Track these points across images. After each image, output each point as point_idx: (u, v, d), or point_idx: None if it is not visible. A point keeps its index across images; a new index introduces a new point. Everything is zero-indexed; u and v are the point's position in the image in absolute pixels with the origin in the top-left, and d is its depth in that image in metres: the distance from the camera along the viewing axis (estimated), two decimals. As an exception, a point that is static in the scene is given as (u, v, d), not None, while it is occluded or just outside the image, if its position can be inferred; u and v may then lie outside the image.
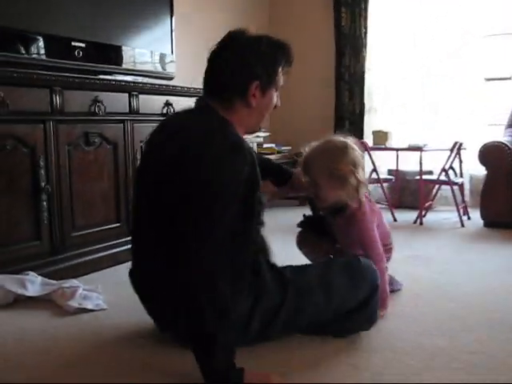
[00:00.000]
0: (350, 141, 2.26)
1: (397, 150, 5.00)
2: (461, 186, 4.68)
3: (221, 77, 1.93)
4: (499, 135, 4.57)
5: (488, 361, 1.85)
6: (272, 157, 4.94)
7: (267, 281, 1.92)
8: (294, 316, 1.95)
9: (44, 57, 2.88)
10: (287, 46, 2.01)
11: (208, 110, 1.93)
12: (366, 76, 5.52)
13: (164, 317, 1.93)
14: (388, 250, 2.50)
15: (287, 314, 1.93)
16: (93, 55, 3.15)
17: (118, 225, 3.19)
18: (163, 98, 3.48)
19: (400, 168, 5.30)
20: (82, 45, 3.06)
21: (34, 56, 2.84)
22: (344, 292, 2.01)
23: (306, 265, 2.17)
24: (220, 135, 1.81)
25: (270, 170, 2.41)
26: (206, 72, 1.98)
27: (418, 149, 4.57)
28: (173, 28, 3.78)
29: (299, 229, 2.61)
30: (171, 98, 3.51)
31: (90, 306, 2.41)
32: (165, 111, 3.47)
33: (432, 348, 1.97)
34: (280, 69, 1.99)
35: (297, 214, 2.64)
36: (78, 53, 3.04)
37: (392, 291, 2.59)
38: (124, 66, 3.40)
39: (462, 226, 4.35)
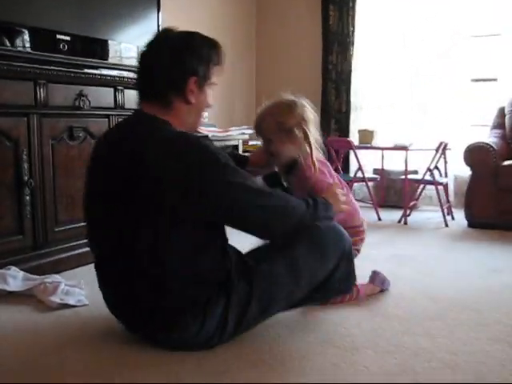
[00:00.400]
0: (302, 100, 2.31)
1: (382, 149, 5.01)
2: (445, 186, 4.70)
3: (158, 75, 1.89)
4: (485, 136, 4.60)
5: (469, 361, 1.86)
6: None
7: (234, 279, 1.90)
8: (266, 306, 1.94)
9: (29, 49, 2.84)
10: (218, 45, 1.98)
11: (143, 115, 1.91)
12: (353, 74, 5.52)
13: (139, 316, 1.90)
14: (359, 232, 2.46)
15: (259, 305, 1.92)
16: (78, 49, 3.12)
17: (101, 220, 3.15)
18: (149, 94, 3.45)
19: (386, 167, 5.31)
20: (68, 38, 3.03)
21: (19, 48, 2.81)
22: (311, 267, 1.99)
23: (268, 247, 2.10)
24: (161, 132, 1.82)
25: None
26: (141, 74, 1.96)
27: (403, 148, 4.59)
28: (160, 23, 3.75)
29: None
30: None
31: (71, 302, 2.39)
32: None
33: (414, 347, 1.97)
34: (213, 65, 1.96)
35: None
36: (63, 46, 3.01)
37: (381, 291, 2.59)
38: (110, 60, 3.37)
39: (446, 225, 4.37)
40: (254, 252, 2.08)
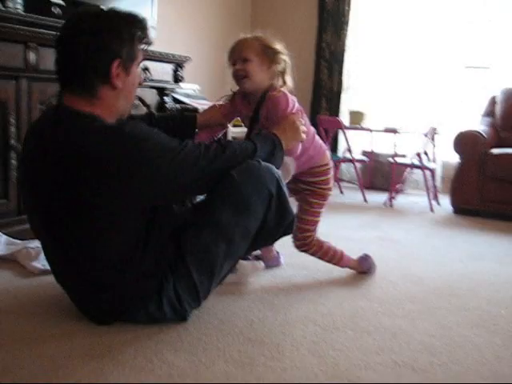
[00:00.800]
0: None
1: (371, 130, 5.02)
2: (433, 171, 4.72)
3: (77, 64, 1.74)
4: (476, 123, 4.62)
5: (447, 344, 1.88)
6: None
7: (176, 263, 1.86)
8: (210, 273, 1.89)
9: (21, 11, 2.79)
10: (139, 17, 1.85)
11: (66, 110, 1.77)
12: (346, 54, 5.50)
13: (87, 303, 1.89)
14: (329, 170, 2.42)
15: (203, 277, 1.87)
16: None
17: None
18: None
19: (375, 150, 5.32)
20: (61, 2, 2.98)
21: (10, 9, 2.75)
22: (238, 224, 1.88)
23: (192, 213, 2.02)
24: (88, 126, 1.72)
25: (174, 121, 2.33)
26: (59, 63, 1.79)
27: (392, 131, 4.60)
28: (155, -8, 3.71)
29: None
30: (149, 63, 3.45)
31: (54, 268, 2.38)
32: (142, 76, 3.40)
33: (393, 328, 1.99)
34: (137, 42, 1.83)
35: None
36: (56, 9, 2.95)
37: (364, 272, 2.60)
38: (103, 27, 3.31)
39: (432, 210, 4.40)
40: (186, 221, 1.97)
